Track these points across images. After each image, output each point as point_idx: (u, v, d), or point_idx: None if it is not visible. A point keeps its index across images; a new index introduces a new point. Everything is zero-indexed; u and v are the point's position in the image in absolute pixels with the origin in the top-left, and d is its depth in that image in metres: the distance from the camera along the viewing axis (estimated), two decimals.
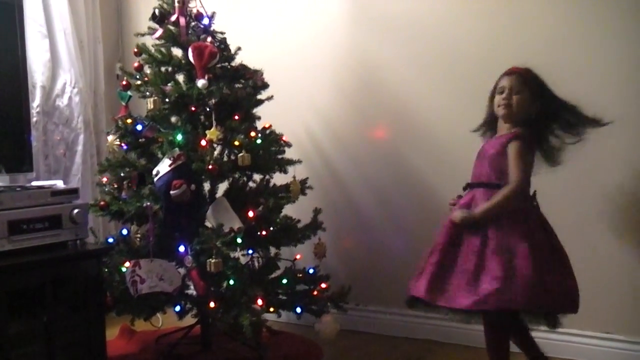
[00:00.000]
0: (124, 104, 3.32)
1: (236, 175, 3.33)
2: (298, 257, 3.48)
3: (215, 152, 3.20)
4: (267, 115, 3.44)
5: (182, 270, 3.14)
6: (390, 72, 3.71)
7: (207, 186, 3.32)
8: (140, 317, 3.20)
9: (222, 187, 3.38)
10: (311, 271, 3.40)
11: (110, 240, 3.32)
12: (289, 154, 3.38)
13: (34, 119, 3.76)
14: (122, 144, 3.26)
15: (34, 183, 3.06)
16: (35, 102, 3.81)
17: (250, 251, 3.27)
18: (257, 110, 3.43)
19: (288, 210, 3.37)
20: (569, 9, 3.23)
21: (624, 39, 3.11)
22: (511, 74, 2.74)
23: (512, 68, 2.76)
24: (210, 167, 3.00)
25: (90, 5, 4.29)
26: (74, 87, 4.04)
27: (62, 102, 4.01)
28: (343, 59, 3.85)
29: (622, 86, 3.12)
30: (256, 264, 3.35)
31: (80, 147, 4.07)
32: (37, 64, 3.86)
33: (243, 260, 3.23)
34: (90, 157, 4.14)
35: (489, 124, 2.88)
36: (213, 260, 2.91)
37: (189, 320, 3.42)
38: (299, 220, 3.39)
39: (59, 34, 4.00)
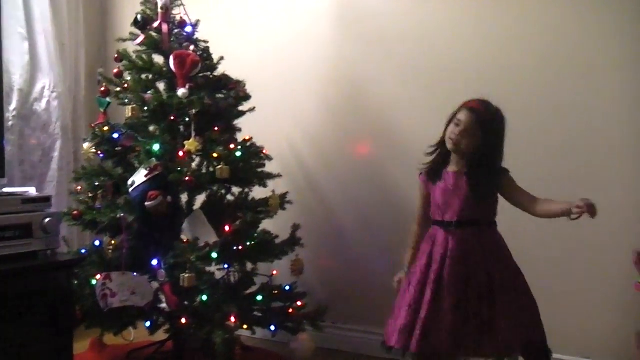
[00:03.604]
0: (102, 110, 3.27)
1: (214, 188, 3.27)
2: (275, 273, 3.41)
3: (194, 164, 3.14)
4: (248, 128, 3.39)
5: (155, 284, 3.06)
6: (375, 87, 3.66)
7: (184, 198, 3.25)
8: (110, 332, 3.13)
9: (200, 199, 3.31)
10: (287, 288, 3.34)
11: (83, 251, 3.24)
12: (269, 167, 3.32)
13: (10, 123, 3.68)
14: (99, 152, 3.20)
15: (6, 190, 2.97)
16: (12, 106, 3.74)
17: (226, 266, 3.21)
18: (239, 122, 3.38)
19: (266, 225, 3.31)
20: (556, 25, 3.20)
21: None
22: (471, 111, 2.64)
23: (473, 103, 2.66)
24: (187, 178, 2.94)
25: (74, 7, 4.20)
26: (53, 92, 3.95)
27: (40, 106, 3.92)
28: (328, 72, 3.79)
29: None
30: (232, 278, 3.28)
31: (57, 154, 3.97)
32: (15, 66, 3.78)
33: (219, 275, 3.16)
34: (67, 164, 4.04)
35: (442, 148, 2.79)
36: (186, 275, 2.84)
37: (162, 334, 3.33)
38: (277, 236, 3.33)
39: (40, 35, 3.91)
